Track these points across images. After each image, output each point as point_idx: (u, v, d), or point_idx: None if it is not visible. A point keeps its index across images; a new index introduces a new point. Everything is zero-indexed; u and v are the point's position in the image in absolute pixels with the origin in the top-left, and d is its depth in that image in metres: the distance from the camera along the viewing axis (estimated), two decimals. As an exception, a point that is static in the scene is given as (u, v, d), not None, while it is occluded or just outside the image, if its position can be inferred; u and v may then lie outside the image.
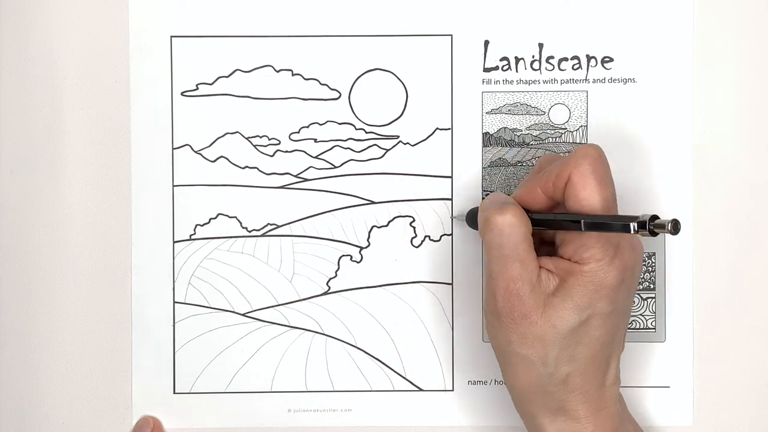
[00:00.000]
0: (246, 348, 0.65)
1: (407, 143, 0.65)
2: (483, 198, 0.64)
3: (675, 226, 0.50)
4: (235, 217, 0.65)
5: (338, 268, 0.65)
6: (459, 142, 0.65)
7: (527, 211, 0.56)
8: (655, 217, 0.51)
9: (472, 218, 0.62)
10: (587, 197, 0.54)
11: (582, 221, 0.53)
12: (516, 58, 0.65)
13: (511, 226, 0.54)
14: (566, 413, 0.56)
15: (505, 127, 0.65)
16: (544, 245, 0.58)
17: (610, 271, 0.54)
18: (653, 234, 0.50)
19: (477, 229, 0.60)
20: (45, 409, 0.65)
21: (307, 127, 0.65)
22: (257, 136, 0.65)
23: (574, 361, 0.55)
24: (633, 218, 0.51)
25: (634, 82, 0.64)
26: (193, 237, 0.65)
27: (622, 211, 0.56)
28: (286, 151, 0.65)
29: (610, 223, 0.52)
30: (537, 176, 0.57)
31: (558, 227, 0.56)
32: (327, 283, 0.65)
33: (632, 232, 0.51)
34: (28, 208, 0.64)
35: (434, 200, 0.65)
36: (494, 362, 0.64)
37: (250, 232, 0.65)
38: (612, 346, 0.57)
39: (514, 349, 0.55)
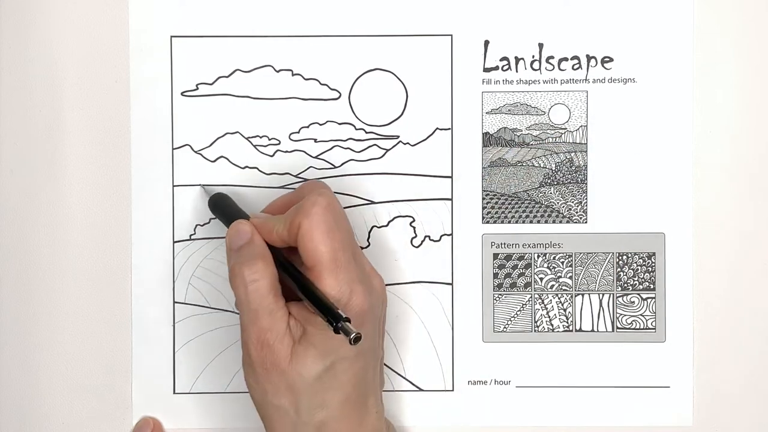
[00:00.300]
0: (246, 348, 0.65)
1: (407, 143, 0.65)
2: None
3: (356, 339, 0.51)
4: (235, 217, 0.65)
5: (338, 268, 0.65)
6: (459, 142, 0.65)
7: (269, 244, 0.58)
8: (347, 319, 0.52)
9: (214, 206, 0.63)
10: (314, 248, 0.55)
11: (298, 284, 0.56)
12: (516, 58, 0.65)
13: (255, 282, 0.55)
14: None
15: (505, 127, 0.65)
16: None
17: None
18: (336, 332, 0.52)
19: (215, 216, 0.62)
20: (45, 409, 0.65)
21: (307, 127, 0.65)
22: (257, 136, 0.65)
23: (326, 407, 0.55)
24: (329, 311, 0.53)
25: (634, 82, 0.64)
26: (193, 237, 0.65)
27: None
28: (286, 151, 0.65)
29: (314, 300, 0.54)
30: (279, 217, 0.58)
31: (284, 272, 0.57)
32: (327, 283, 0.65)
33: (328, 322, 0.53)
34: (28, 208, 0.64)
35: (434, 200, 0.65)
36: (494, 362, 0.64)
37: (250, 232, 0.65)
38: (365, 386, 0.57)
39: (270, 400, 0.56)
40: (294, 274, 0.56)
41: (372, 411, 0.58)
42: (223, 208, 0.62)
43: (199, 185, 0.64)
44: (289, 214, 0.56)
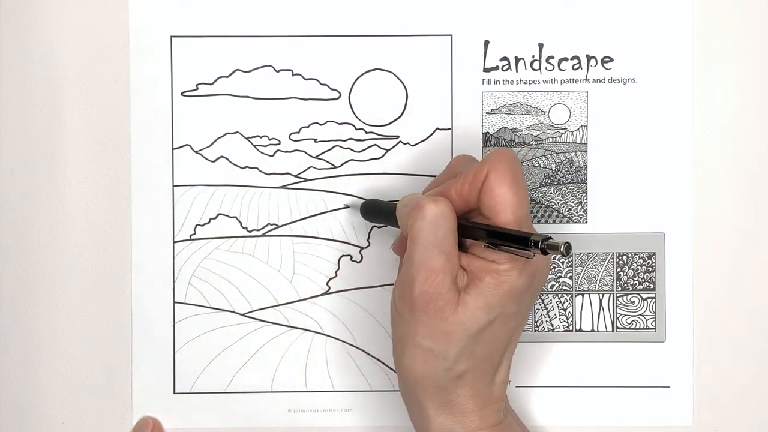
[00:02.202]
0: (246, 348, 0.65)
1: (407, 143, 0.65)
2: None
3: (567, 249, 0.50)
4: (235, 217, 0.65)
5: (338, 268, 0.65)
6: (459, 142, 0.65)
7: None
8: (548, 238, 0.51)
9: (366, 210, 0.63)
10: (502, 194, 0.53)
11: (486, 231, 0.54)
12: (516, 58, 0.65)
13: (443, 217, 0.54)
14: (454, 406, 0.56)
15: (505, 127, 0.65)
16: None
17: (523, 273, 0.54)
18: (544, 253, 0.51)
19: (371, 221, 0.62)
20: (45, 409, 0.65)
21: (307, 127, 0.65)
22: (257, 136, 0.65)
23: (473, 358, 0.55)
24: (529, 235, 0.52)
25: (634, 82, 0.64)
26: (193, 237, 0.65)
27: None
28: (287, 151, 0.65)
29: (509, 235, 0.53)
30: (451, 179, 0.57)
31: (463, 235, 0.56)
32: (327, 283, 0.65)
33: (528, 247, 0.51)
34: (28, 208, 0.64)
35: (434, 200, 0.65)
36: (494, 362, 0.64)
37: (250, 232, 0.65)
38: (509, 346, 0.57)
39: (418, 341, 0.54)
40: (476, 225, 0.54)
41: (503, 370, 0.57)
42: (376, 208, 0.62)
43: (345, 205, 0.65)
44: (471, 168, 0.55)
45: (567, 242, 0.50)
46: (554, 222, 0.65)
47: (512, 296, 0.54)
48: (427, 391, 0.55)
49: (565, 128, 0.65)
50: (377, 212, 0.62)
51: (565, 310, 0.65)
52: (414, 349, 0.55)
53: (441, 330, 0.54)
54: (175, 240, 0.65)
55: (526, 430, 0.60)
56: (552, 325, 0.65)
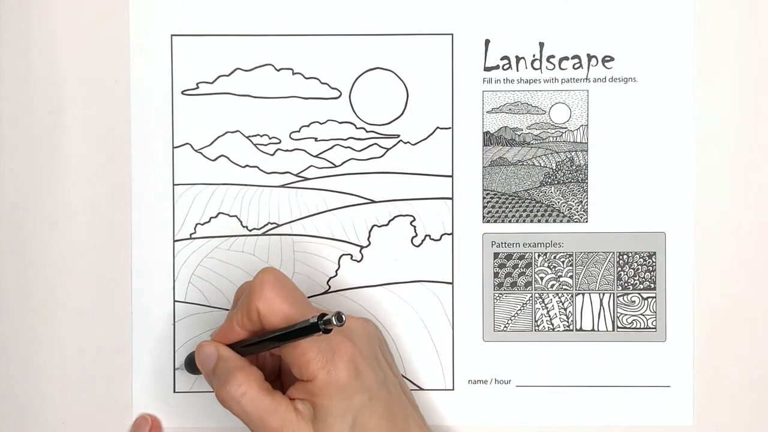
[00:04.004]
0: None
1: (408, 142, 0.65)
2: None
3: (339, 318, 0.51)
4: (236, 216, 0.65)
5: (339, 267, 0.65)
6: (459, 141, 0.65)
7: (236, 344, 0.57)
8: (323, 315, 0.52)
9: (189, 364, 0.63)
10: (282, 320, 0.54)
11: (269, 339, 0.55)
12: (517, 57, 0.64)
13: (243, 394, 0.54)
14: None
15: (505, 127, 0.65)
16: (275, 357, 0.60)
17: (339, 371, 0.54)
18: (326, 332, 0.52)
19: (198, 374, 0.61)
20: (45, 409, 0.65)
21: (308, 126, 0.65)
22: (258, 134, 0.65)
23: None
24: (304, 324, 0.52)
25: (635, 81, 0.64)
26: (193, 236, 0.65)
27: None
28: (287, 150, 0.65)
29: (290, 332, 0.53)
30: (232, 313, 0.57)
31: (261, 350, 0.57)
32: (327, 282, 0.65)
33: (309, 335, 0.52)
34: (28, 208, 0.64)
35: (435, 199, 0.65)
36: (495, 361, 0.64)
37: (250, 230, 0.65)
38: (398, 418, 0.57)
39: None
40: (268, 340, 0.55)
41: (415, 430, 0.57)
42: (193, 361, 0.62)
43: (174, 368, 0.65)
44: (243, 302, 0.56)
45: (337, 312, 0.51)
46: (555, 221, 0.65)
47: (349, 393, 0.54)
48: None
49: (566, 127, 0.65)
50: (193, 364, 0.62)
51: (565, 309, 0.65)
52: None
53: None
54: (176, 239, 0.65)
55: None
56: (552, 325, 0.65)
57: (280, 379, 0.61)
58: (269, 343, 0.55)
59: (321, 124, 0.65)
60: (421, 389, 0.65)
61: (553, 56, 0.64)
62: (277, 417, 0.54)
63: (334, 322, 0.51)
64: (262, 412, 0.54)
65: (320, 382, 0.54)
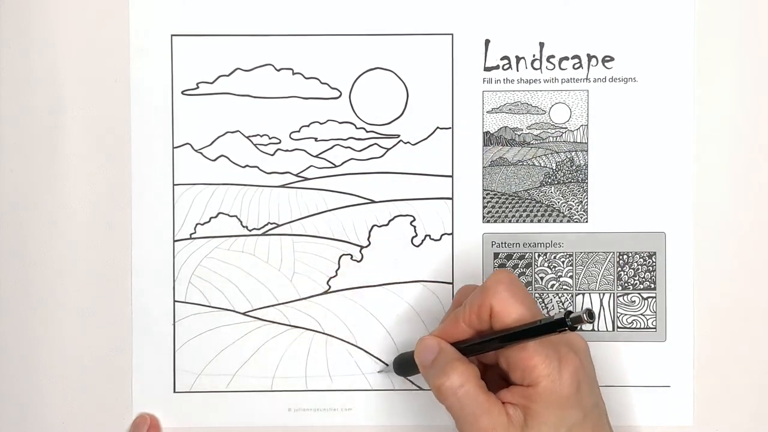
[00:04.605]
0: (246, 347, 0.65)
1: (408, 142, 0.65)
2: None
3: (590, 315, 0.50)
4: (236, 216, 0.65)
5: (339, 267, 0.65)
6: (459, 141, 0.65)
7: (458, 343, 0.57)
8: (569, 313, 0.50)
9: (398, 365, 0.63)
10: (515, 321, 0.54)
11: (500, 338, 0.54)
12: (517, 57, 0.64)
13: (461, 386, 0.54)
14: None
15: (505, 127, 0.65)
16: (490, 369, 0.58)
17: (563, 381, 0.53)
18: (573, 329, 0.50)
19: (405, 376, 0.62)
20: (45, 409, 0.65)
21: (308, 126, 0.65)
22: (258, 134, 0.65)
23: None
24: (547, 320, 0.51)
25: (635, 81, 0.64)
26: (193, 236, 0.65)
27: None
28: (287, 150, 0.65)
29: (529, 330, 0.53)
30: (458, 310, 0.57)
31: (486, 350, 0.56)
32: (327, 282, 0.65)
33: (547, 333, 0.51)
34: (28, 208, 0.64)
35: (435, 199, 0.65)
36: (495, 362, 0.64)
37: (250, 231, 0.65)
38: None
39: None
40: (495, 339, 0.54)
41: None
42: (405, 360, 0.62)
43: (378, 371, 0.65)
44: (474, 298, 0.55)
45: (587, 309, 0.50)
46: (555, 221, 0.65)
47: (567, 405, 0.53)
48: None
49: (566, 127, 0.65)
50: (409, 365, 0.61)
51: (565, 309, 0.65)
52: None
53: None
54: (176, 239, 0.65)
55: None
56: (552, 325, 0.65)
57: None
58: (498, 342, 0.54)
59: (321, 124, 0.65)
60: (421, 389, 0.65)
61: (553, 56, 0.64)
62: (489, 417, 0.53)
63: (585, 319, 0.49)
64: (476, 408, 0.53)
65: (542, 389, 0.53)
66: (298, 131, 0.65)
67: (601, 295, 0.65)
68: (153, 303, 0.65)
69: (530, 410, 0.53)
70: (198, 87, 0.64)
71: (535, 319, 0.53)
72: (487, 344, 0.55)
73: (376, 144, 0.65)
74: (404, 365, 0.62)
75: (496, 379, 0.56)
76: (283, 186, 0.65)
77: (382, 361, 0.65)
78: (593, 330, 0.65)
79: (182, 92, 0.64)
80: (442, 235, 0.65)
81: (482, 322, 0.55)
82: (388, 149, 0.65)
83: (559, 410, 0.53)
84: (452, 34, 0.64)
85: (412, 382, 0.65)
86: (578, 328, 0.50)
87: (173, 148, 0.64)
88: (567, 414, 0.53)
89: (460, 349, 0.56)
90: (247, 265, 0.65)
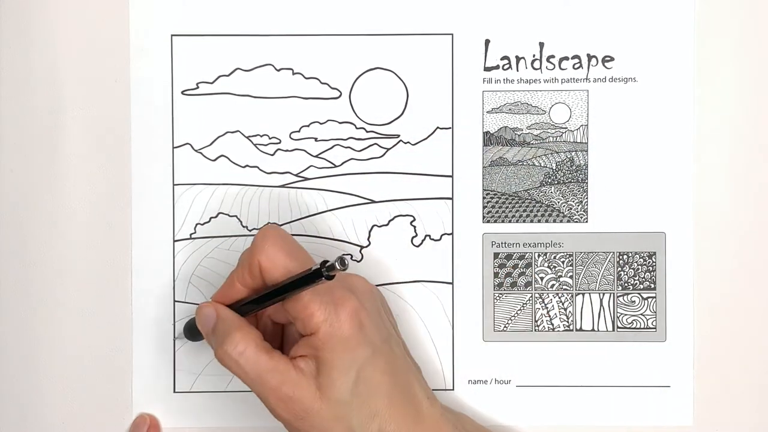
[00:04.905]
0: (246, 347, 0.65)
1: (408, 142, 0.65)
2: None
3: (342, 262, 0.50)
4: (236, 216, 0.65)
5: (338, 267, 0.65)
6: (459, 141, 0.65)
7: (236, 303, 0.57)
8: (325, 262, 0.51)
9: (189, 330, 0.63)
10: (284, 275, 0.54)
11: (269, 293, 0.55)
12: (517, 57, 0.64)
13: (240, 354, 0.54)
14: None
15: (505, 127, 0.65)
16: (287, 327, 0.60)
17: (342, 323, 0.54)
18: (329, 278, 0.51)
19: (196, 341, 0.62)
20: (45, 409, 0.65)
21: (308, 126, 0.65)
22: (258, 134, 0.65)
23: (376, 414, 0.54)
24: (306, 272, 0.52)
25: (635, 81, 0.64)
26: (193, 236, 0.65)
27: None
28: (287, 150, 0.65)
29: (291, 282, 0.54)
30: (233, 271, 0.57)
31: (261, 307, 0.56)
32: (327, 282, 0.65)
33: (311, 284, 0.52)
34: (28, 208, 0.64)
35: (435, 199, 0.65)
36: (495, 361, 0.64)
37: (250, 230, 0.65)
38: (401, 376, 0.56)
39: None
40: (269, 294, 0.55)
41: (421, 398, 0.57)
42: (192, 327, 0.62)
43: (174, 338, 0.65)
44: (244, 257, 0.56)
45: (339, 256, 0.51)
46: (555, 221, 0.65)
47: (352, 346, 0.54)
48: None
49: (566, 127, 0.65)
50: (196, 332, 0.61)
51: (565, 309, 0.65)
52: None
53: (327, 419, 0.54)
54: (176, 239, 0.65)
55: None
56: (552, 325, 0.65)
57: (281, 349, 0.60)
58: (271, 297, 0.55)
59: (321, 124, 0.65)
60: (421, 389, 0.65)
61: (553, 56, 0.64)
62: (275, 375, 0.54)
63: (337, 267, 0.50)
64: (260, 370, 0.54)
65: (323, 334, 0.54)
66: (298, 131, 0.65)
67: (601, 295, 0.65)
68: (153, 303, 0.65)
69: (319, 358, 0.54)
70: (198, 87, 0.64)
71: (303, 270, 0.53)
72: (261, 301, 0.56)
73: (376, 144, 0.65)
74: (193, 331, 0.62)
75: (295, 337, 0.57)
76: (283, 186, 0.65)
77: None
78: (593, 330, 0.65)
79: (182, 92, 0.64)
80: (442, 235, 0.65)
81: (255, 279, 0.56)
82: (388, 149, 0.65)
83: (345, 352, 0.54)
84: (452, 34, 0.64)
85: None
86: (334, 276, 0.51)
87: (173, 148, 0.64)
88: (354, 354, 0.54)
89: (238, 309, 0.57)
90: (247, 265, 0.65)
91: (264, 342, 0.56)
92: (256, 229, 0.65)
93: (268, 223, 0.56)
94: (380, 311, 0.58)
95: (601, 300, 0.65)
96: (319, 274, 0.51)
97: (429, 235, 0.65)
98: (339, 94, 0.64)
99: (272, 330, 0.61)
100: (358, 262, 0.65)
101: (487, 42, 0.64)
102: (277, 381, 0.54)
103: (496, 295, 0.65)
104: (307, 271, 0.52)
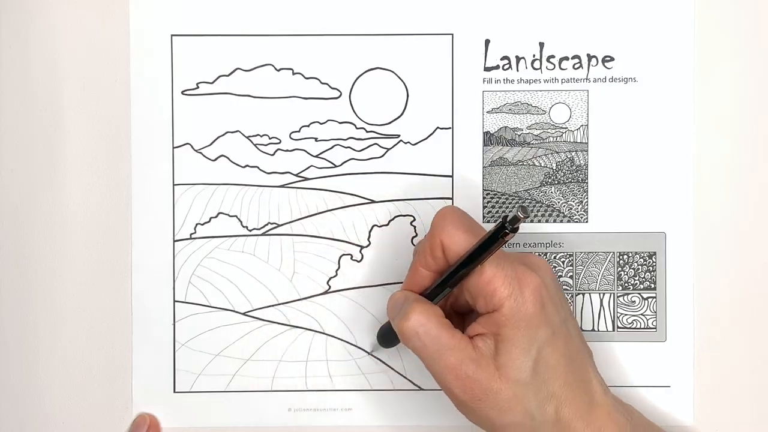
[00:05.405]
0: (246, 347, 0.65)
1: (408, 142, 0.65)
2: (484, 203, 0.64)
3: (524, 210, 0.50)
4: (236, 216, 0.65)
5: (339, 267, 0.65)
6: (459, 141, 0.65)
7: (425, 291, 0.57)
8: (506, 217, 0.51)
9: (382, 337, 0.63)
10: (466, 249, 0.54)
11: (454, 270, 0.55)
12: (517, 57, 0.64)
13: (422, 326, 0.54)
14: None
15: (505, 127, 0.65)
16: (467, 317, 0.59)
17: (526, 300, 0.53)
18: (514, 231, 0.51)
19: (391, 346, 0.62)
20: (45, 409, 0.65)
21: (308, 126, 0.65)
22: (258, 134, 0.65)
23: (553, 396, 0.54)
24: (489, 233, 0.52)
25: (635, 81, 0.64)
26: (193, 236, 0.65)
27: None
28: (287, 150, 0.65)
29: (475, 250, 0.53)
30: (415, 258, 0.57)
31: (450, 285, 0.56)
32: (327, 282, 0.65)
33: (497, 243, 0.52)
34: (28, 208, 0.64)
35: (435, 199, 0.65)
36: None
37: (250, 231, 0.65)
38: (577, 359, 0.56)
39: (500, 422, 0.54)
40: (455, 270, 0.55)
41: (596, 384, 0.56)
42: (385, 329, 0.62)
43: (369, 352, 0.65)
44: (424, 241, 0.56)
45: (519, 205, 0.50)
46: (555, 221, 0.65)
47: (534, 325, 0.53)
48: None
49: (566, 127, 0.65)
50: (389, 333, 0.61)
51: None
52: (505, 428, 0.54)
53: (504, 400, 0.53)
54: (176, 239, 0.65)
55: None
56: (552, 325, 0.65)
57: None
58: (458, 271, 0.54)
59: (321, 124, 0.65)
60: (421, 389, 0.65)
61: (553, 56, 0.64)
62: (456, 353, 0.53)
63: (520, 216, 0.50)
64: (439, 346, 0.54)
65: (507, 310, 0.53)
66: (298, 131, 0.65)
67: (601, 295, 0.65)
68: (153, 303, 0.65)
69: (500, 336, 0.54)
70: (198, 87, 0.64)
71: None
72: (447, 281, 0.55)
73: (376, 144, 0.65)
74: (386, 335, 0.62)
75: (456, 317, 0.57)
76: (283, 186, 0.65)
77: (382, 361, 0.65)
78: (593, 330, 0.65)
79: (182, 92, 0.64)
80: (442, 235, 0.65)
81: (438, 261, 0.56)
82: (388, 149, 0.65)
83: (527, 330, 0.53)
84: (452, 34, 0.64)
85: (412, 382, 0.65)
86: (518, 229, 0.51)
87: (173, 148, 0.64)
88: (536, 333, 0.54)
89: (427, 296, 0.57)
90: (247, 265, 0.65)
91: (446, 319, 0.55)
92: (257, 229, 0.65)
93: (444, 206, 0.56)
94: (560, 291, 0.57)
95: (601, 300, 0.65)
96: (503, 228, 0.51)
97: (429, 235, 0.65)
98: (339, 94, 0.64)
99: (456, 320, 0.59)
100: (359, 262, 0.65)
101: (487, 42, 0.64)
102: (458, 359, 0.53)
103: (496, 295, 0.65)
104: (489, 232, 0.52)
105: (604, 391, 0.56)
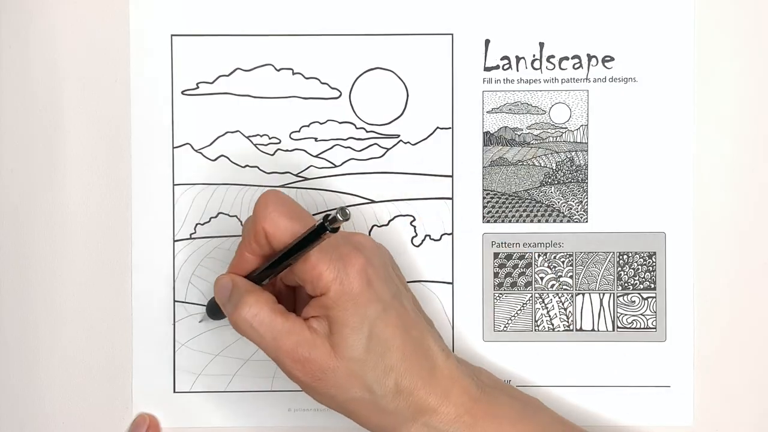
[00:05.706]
0: (246, 347, 0.65)
1: (408, 142, 0.65)
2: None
3: (343, 213, 0.50)
4: (236, 216, 0.65)
5: (338, 267, 0.65)
6: (459, 141, 0.65)
7: (250, 274, 0.57)
8: (327, 216, 0.51)
9: (210, 309, 0.63)
10: (290, 238, 0.54)
11: (277, 260, 0.55)
12: (517, 57, 0.64)
13: (255, 316, 0.55)
14: (422, 411, 0.55)
15: (505, 127, 0.65)
16: (298, 290, 0.60)
17: (351, 280, 0.54)
18: (334, 230, 0.51)
19: (218, 319, 0.62)
20: (45, 409, 0.65)
21: (308, 126, 0.65)
22: (258, 134, 0.65)
23: (391, 369, 0.55)
24: (310, 230, 0.52)
25: (635, 81, 0.64)
26: (193, 236, 0.65)
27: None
28: (287, 150, 0.65)
29: (297, 244, 0.54)
30: (240, 242, 0.58)
31: (275, 273, 0.56)
32: (327, 282, 0.65)
33: (318, 240, 0.52)
34: (28, 208, 0.64)
35: (435, 199, 0.65)
36: (495, 361, 0.64)
37: (250, 231, 0.65)
38: (413, 331, 0.56)
39: (343, 399, 0.55)
40: (279, 259, 0.55)
41: (436, 351, 0.57)
42: (213, 304, 0.62)
43: (200, 321, 0.65)
44: (248, 226, 0.56)
45: (340, 207, 0.51)
46: (555, 221, 0.65)
47: (362, 303, 0.54)
48: (392, 423, 0.56)
49: (566, 127, 0.65)
50: (216, 308, 0.61)
51: (565, 309, 0.65)
52: (347, 406, 0.56)
53: (344, 378, 0.54)
54: (176, 239, 0.65)
55: (521, 397, 0.60)
56: (552, 325, 0.65)
57: (295, 312, 0.59)
58: (281, 261, 0.55)
59: (321, 124, 0.65)
60: (421, 389, 0.65)
61: (553, 56, 0.64)
62: (291, 336, 0.54)
63: (339, 218, 0.50)
64: (274, 332, 0.54)
65: (334, 293, 0.54)
66: (298, 131, 0.65)
67: (601, 295, 0.65)
68: (153, 303, 0.65)
69: (331, 317, 0.54)
70: (198, 87, 0.64)
71: (301, 231, 0.54)
72: (272, 267, 0.56)
73: (376, 144, 0.65)
74: (213, 309, 0.62)
75: (307, 299, 0.57)
76: (283, 186, 0.65)
77: None
78: (593, 330, 0.65)
79: (182, 92, 0.64)
80: (442, 235, 0.65)
81: (263, 246, 0.56)
82: (388, 149, 0.65)
83: (356, 308, 0.54)
84: (452, 34, 0.64)
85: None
86: (338, 228, 0.51)
87: (173, 148, 0.64)
88: (365, 310, 0.54)
89: (253, 278, 0.57)
90: (247, 265, 0.65)
91: (278, 305, 0.56)
92: (256, 229, 0.65)
93: (267, 190, 0.56)
94: (388, 267, 0.58)
95: (601, 300, 0.65)
96: (324, 228, 0.51)
97: (429, 235, 0.65)
98: (339, 94, 0.64)
99: (286, 294, 0.61)
100: (358, 262, 0.65)
101: (487, 42, 0.64)
102: (293, 342, 0.54)
103: (496, 295, 0.65)
104: (311, 229, 0.52)
105: (446, 356, 0.57)
